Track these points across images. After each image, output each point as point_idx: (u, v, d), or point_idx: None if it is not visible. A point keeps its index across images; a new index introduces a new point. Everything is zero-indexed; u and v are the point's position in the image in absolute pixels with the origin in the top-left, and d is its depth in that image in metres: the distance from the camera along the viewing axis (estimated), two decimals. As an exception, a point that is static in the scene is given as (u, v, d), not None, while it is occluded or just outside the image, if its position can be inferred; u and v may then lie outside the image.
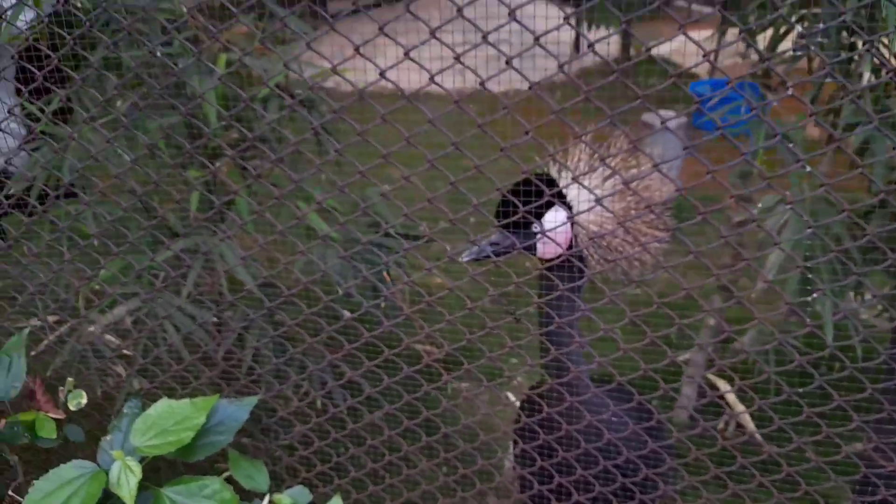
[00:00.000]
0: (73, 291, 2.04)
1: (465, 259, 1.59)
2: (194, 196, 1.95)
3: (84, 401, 1.75)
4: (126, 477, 1.46)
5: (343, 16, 1.57)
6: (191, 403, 1.60)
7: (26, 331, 1.83)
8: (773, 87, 2.55)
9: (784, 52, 2.37)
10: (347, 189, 1.57)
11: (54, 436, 1.70)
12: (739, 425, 3.03)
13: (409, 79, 1.47)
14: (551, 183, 1.57)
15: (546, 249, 1.62)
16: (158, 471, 1.74)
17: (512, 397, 2.97)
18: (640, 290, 1.51)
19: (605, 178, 1.62)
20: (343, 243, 2.13)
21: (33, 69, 1.69)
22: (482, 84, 1.41)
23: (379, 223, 2.28)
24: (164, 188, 1.67)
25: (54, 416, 1.74)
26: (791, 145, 1.63)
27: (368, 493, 1.96)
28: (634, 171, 1.60)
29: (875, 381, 1.37)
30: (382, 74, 1.46)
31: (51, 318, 2.27)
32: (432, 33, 1.40)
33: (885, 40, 2.06)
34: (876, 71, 2.28)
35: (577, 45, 5.78)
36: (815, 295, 1.60)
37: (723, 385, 3.16)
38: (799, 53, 2.20)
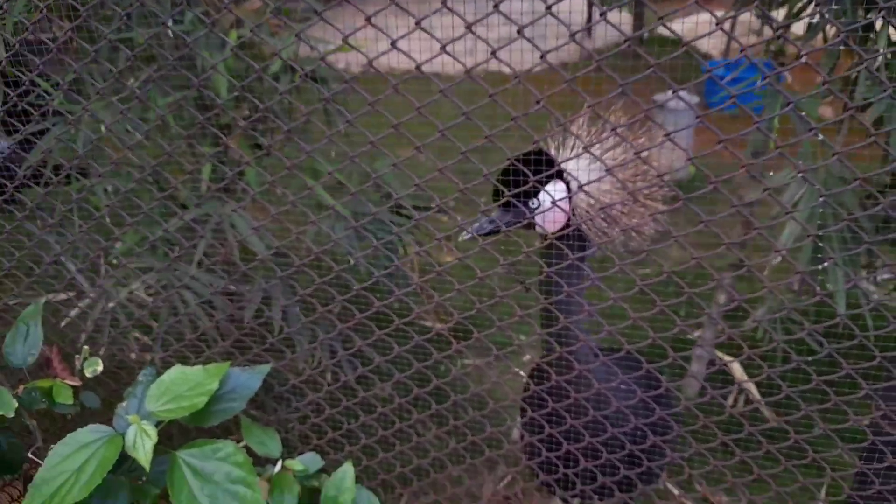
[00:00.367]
0: (88, 262, 2.07)
1: (465, 238, 1.60)
2: (206, 168, 1.97)
3: (100, 368, 1.77)
4: (142, 440, 1.48)
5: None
6: (203, 370, 1.63)
7: (42, 300, 1.86)
8: (787, 65, 2.53)
9: (800, 17, 2.33)
10: (358, 159, 1.58)
11: (71, 401, 1.73)
12: (749, 401, 3.04)
13: (421, 58, 1.47)
14: (549, 160, 1.56)
15: (546, 225, 1.63)
16: (172, 438, 1.78)
17: (522, 373, 2.99)
18: (649, 268, 1.52)
19: (606, 151, 1.62)
20: (353, 216, 2.14)
21: (48, 41, 1.70)
22: (493, 53, 1.41)
23: (390, 195, 2.29)
24: (176, 159, 1.68)
25: (71, 383, 1.77)
26: (803, 114, 1.62)
27: (378, 460, 1.99)
28: (637, 144, 1.60)
29: (884, 349, 1.38)
30: (394, 44, 1.46)
31: (64, 296, 2.31)
32: (443, 2, 1.40)
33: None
34: (893, 44, 2.26)
35: (588, 29, 5.73)
36: (826, 264, 1.60)
37: (733, 365, 3.17)
38: (815, 21, 2.17)
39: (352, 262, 1.72)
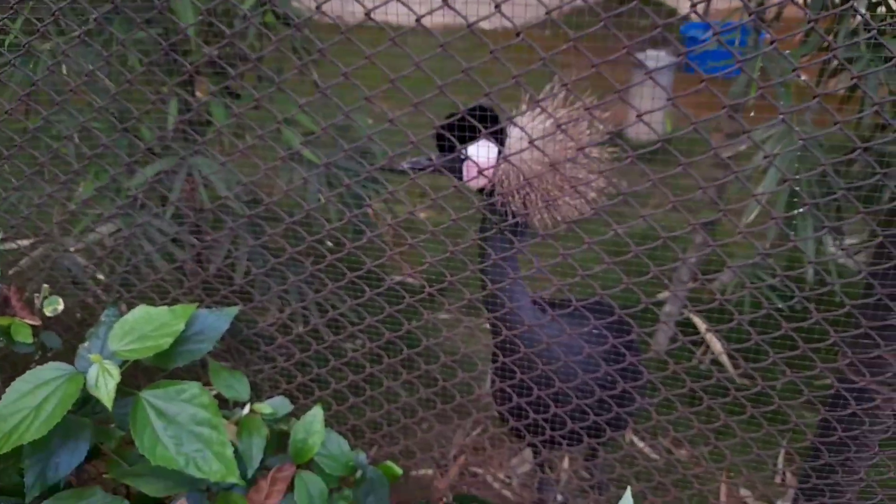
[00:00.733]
0: (46, 203, 1.99)
1: (404, 167, 1.73)
2: (173, 102, 1.89)
3: (60, 307, 1.72)
4: (104, 379, 1.44)
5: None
6: (169, 310, 1.58)
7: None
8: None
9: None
10: (332, 103, 1.53)
11: (30, 340, 1.68)
12: (716, 362, 3.09)
13: (398, 12, 1.42)
14: (493, 116, 1.62)
15: (469, 174, 1.73)
16: (139, 386, 1.74)
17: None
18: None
19: (547, 119, 1.63)
20: (326, 168, 2.09)
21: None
22: (469, 27, 1.36)
23: (367, 152, 2.25)
24: (139, 89, 1.61)
25: (30, 321, 1.72)
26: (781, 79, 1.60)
27: (349, 406, 1.97)
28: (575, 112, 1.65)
29: (853, 297, 1.39)
30: (368, 15, 1.40)
31: (25, 242, 2.23)
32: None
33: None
34: (873, 6, 2.24)
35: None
36: (801, 210, 1.60)
37: (701, 324, 3.21)
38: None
39: (322, 199, 1.67)
